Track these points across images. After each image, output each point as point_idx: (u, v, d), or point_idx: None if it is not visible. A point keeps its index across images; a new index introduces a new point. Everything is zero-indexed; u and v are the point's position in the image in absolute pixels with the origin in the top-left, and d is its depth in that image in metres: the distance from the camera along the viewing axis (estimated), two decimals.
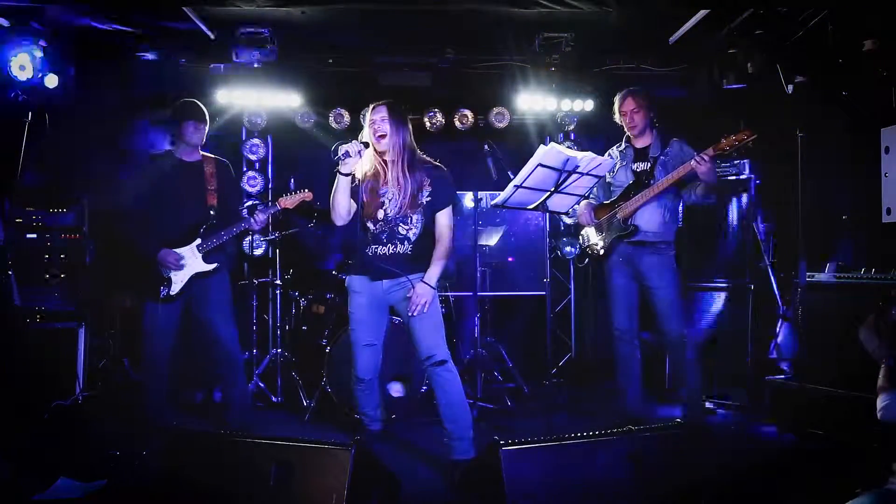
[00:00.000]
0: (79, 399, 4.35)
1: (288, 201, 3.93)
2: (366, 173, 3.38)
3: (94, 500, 3.02)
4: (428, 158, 3.46)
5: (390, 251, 3.35)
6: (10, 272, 4.18)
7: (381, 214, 3.35)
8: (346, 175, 3.25)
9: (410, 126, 3.40)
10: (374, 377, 3.51)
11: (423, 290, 3.29)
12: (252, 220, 3.85)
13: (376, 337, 3.46)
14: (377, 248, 3.36)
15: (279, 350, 4.98)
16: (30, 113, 4.33)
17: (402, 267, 3.34)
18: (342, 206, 3.32)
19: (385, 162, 3.37)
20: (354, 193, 3.33)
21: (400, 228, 3.35)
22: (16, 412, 3.88)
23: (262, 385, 4.87)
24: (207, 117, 3.96)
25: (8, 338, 4.09)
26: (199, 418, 4.53)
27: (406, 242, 3.35)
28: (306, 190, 3.97)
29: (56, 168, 4.79)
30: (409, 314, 3.31)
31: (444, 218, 3.39)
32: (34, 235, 4.59)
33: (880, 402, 2.29)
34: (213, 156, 4.04)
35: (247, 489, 2.46)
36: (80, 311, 4.54)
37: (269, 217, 4.01)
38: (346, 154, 3.18)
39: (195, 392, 4.90)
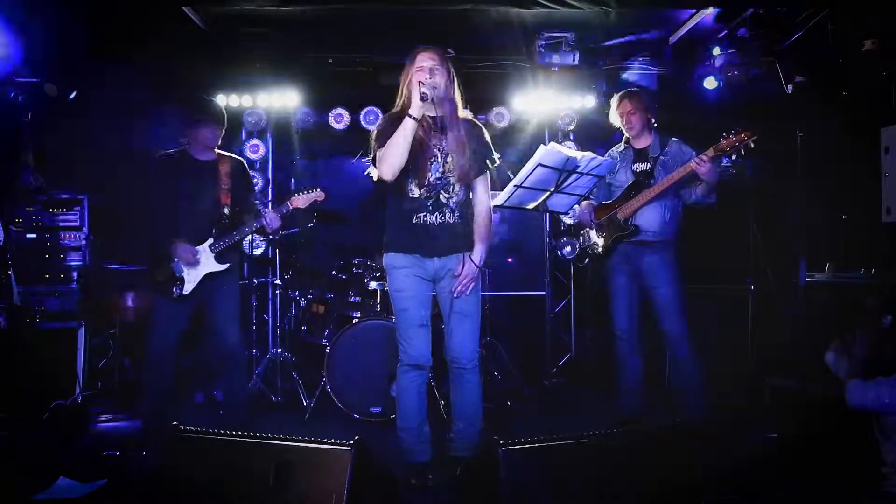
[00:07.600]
0: (79, 399, 4.35)
1: (300, 201, 3.80)
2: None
3: (94, 500, 3.02)
4: (468, 114, 3.08)
5: (439, 220, 2.97)
6: (10, 272, 4.18)
7: (429, 178, 2.95)
8: (416, 120, 2.80)
9: None
10: (429, 362, 3.08)
11: (471, 270, 2.98)
12: (265, 220, 3.75)
13: (427, 316, 3.05)
14: (424, 215, 2.96)
15: (279, 350, 4.98)
16: (30, 113, 4.33)
17: (453, 242, 2.99)
18: (402, 154, 2.82)
19: (431, 118, 2.98)
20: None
21: (441, 196, 2.99)
22: (16, 412, 3.88)
23: (261, 385, 4.87)
24: (225, 118, 3.87)
25: (8, 338, 4.09)
26: (199, 418, 4.53)
27: (451, 213, 2.98)
28: (318, 189, 3.84)
29: (56, 168, 4.79)
30: (453, 294, 2.99)
31: (481, 186, 3.06)
32: (34, 235, 4.60)
33: (846, 391, 2.64)
34: (228, 154, 3.96)
35: (247, 489, 2.45)
36: (80, 311, 4.54)
37: (281, 217, 3.84)
38: (424, 96, 2.76)
39: (196, 392, 4.90)
